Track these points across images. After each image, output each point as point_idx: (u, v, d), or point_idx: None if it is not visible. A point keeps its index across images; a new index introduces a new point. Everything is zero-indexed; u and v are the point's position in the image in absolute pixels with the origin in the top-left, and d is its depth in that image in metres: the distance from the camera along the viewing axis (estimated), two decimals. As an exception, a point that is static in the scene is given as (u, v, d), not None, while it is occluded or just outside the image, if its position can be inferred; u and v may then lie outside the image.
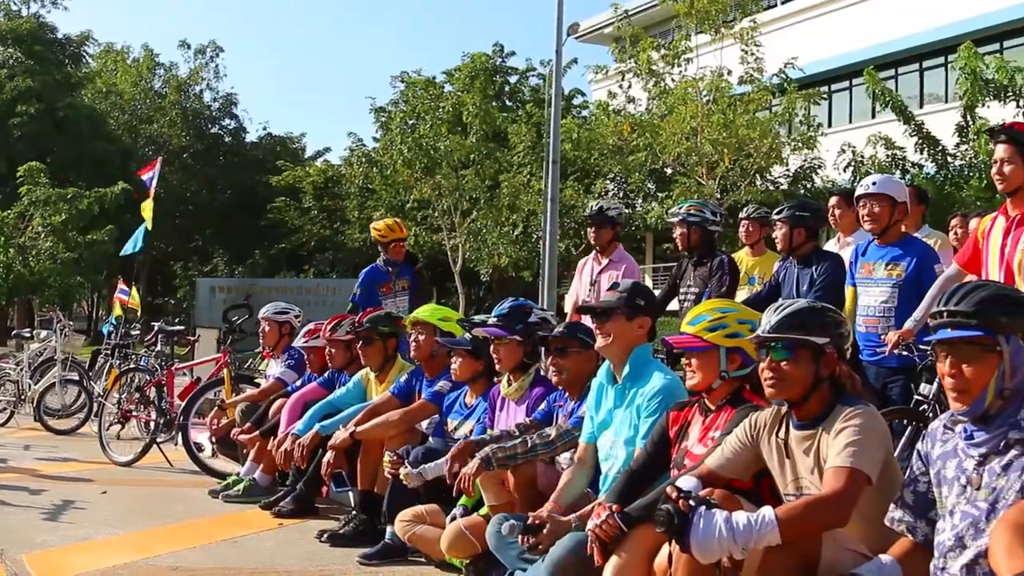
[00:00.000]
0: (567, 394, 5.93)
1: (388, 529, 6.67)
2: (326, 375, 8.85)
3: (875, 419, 4.03)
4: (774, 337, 4.09)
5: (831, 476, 3.84)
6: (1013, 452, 3.42)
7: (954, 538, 3.50)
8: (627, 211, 15.50)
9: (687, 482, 4.05)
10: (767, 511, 3.65)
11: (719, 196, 22.69)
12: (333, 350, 8.65)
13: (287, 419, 8.42)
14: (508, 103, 36.99)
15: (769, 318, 4.15)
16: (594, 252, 9.40)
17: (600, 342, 5.39)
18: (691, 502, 3.70)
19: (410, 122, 32.92)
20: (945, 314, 3.51)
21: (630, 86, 25.23)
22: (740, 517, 3.63)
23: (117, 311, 15.44)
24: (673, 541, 3.75)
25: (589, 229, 9.27)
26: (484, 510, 5.85)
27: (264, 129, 55.14)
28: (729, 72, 23.83)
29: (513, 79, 38.21)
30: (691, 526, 3.60)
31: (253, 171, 49.20)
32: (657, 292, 7.19)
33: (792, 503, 3.84)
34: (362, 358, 8.17)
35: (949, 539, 3.52)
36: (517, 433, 5.91)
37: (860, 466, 3.81)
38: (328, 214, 42.22)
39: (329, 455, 7.40)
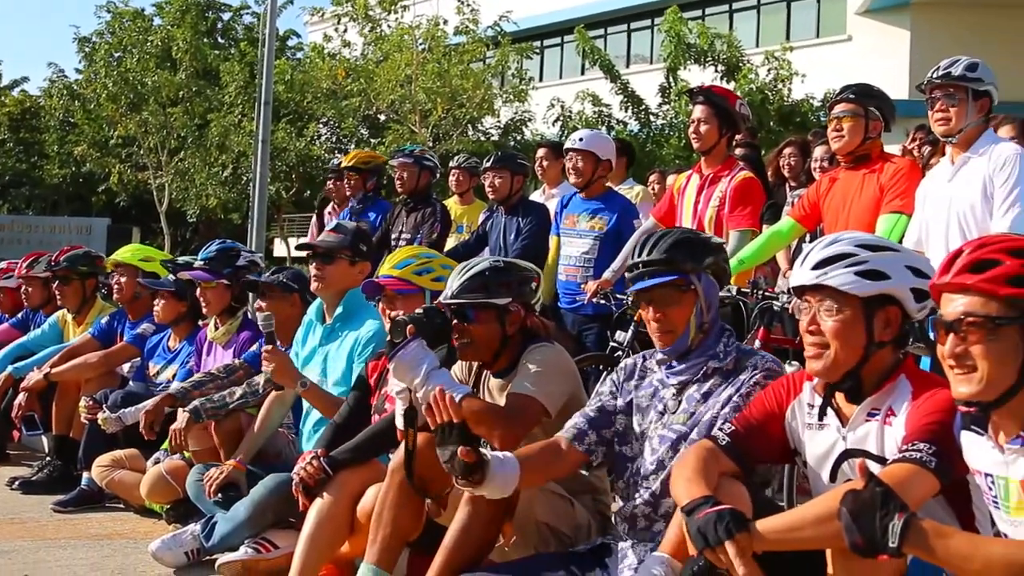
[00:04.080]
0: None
1: (84, 475, 6.50)
2: (20, 315, 8.50)
3: (559, 354, 4.21)
4: (455, 303, 4.16)
5: (509, 399, 4.01)
6: (713, 381, 3.68)
7: (655, 462, 3.70)
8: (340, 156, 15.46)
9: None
10: (464, 388, 3.94)
11: (431, 144, 22.78)
12: (29, 289, 8.31)
13: (-25, 361, 8.04)
14: (220, 40, 35.89)
15: (452, 282, 4.20)
16: (332, 204, 9.90)
17: (316, 284, 5.38)
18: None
19: (116, 55, 31.44)
20: (640, 265, 3.68)
21: (346, 30, 24.99)
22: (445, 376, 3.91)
23: None
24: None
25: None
26: (187, 454, 5.77)
27: (-46, 54, 51.41)
28: (445, 22, 23.95)
29: (226, 16, 37.10)
30: (401, 348, 3.91)
31: (-59, 99, 46.04)
32: None
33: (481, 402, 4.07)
34: (59, 298, 7.87)
35: (651, 463, 3.71)
36: (223, 375, 5.86)
37: (537, 396, 3.98)
38: (25, 147, 40.03)
39: (21, 397, 7.14)
